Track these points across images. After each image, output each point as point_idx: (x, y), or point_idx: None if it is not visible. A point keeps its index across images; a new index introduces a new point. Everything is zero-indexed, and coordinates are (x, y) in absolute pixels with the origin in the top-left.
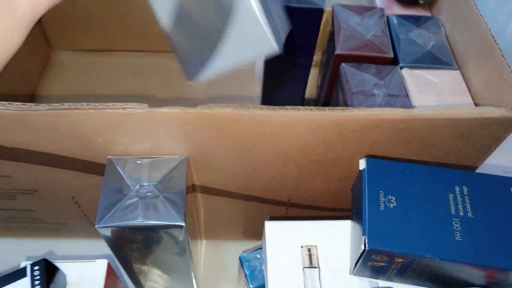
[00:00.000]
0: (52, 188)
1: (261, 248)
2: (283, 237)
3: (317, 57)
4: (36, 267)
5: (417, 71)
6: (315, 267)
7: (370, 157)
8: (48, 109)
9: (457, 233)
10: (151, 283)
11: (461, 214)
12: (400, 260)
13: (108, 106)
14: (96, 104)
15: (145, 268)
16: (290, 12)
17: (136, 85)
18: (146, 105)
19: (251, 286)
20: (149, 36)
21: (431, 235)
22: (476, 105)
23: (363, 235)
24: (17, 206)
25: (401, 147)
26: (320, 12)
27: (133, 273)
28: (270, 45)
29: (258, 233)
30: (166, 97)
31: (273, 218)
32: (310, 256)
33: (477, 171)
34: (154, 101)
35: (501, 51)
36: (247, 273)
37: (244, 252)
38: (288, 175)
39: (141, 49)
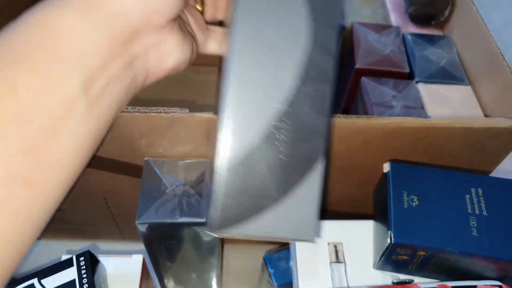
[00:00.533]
0: (86, 189)
1: (284, 248)
2: None
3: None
4: (81, 258)
5: (432, 86)
6: (341, 262)
7: (393, 161)
8: None
9: (473, 229)
10: (174, 282)
11: (477, 212)
12: (422, 253)
13: (152, 110)
14: (140, 107)
15: (172, 266)
16: None
17: (174, 94)
18: (187, 110)
19: (275, 284)
20: None
21: (450, 230)
22: (486, 117)
23: (388, 230)
24: None
25: (419, 154)
26: (341, 28)
27: (160, 270)
28: (310, 236)
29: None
30: (204, 103)
31: None
32: (336, 252)
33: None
34: (194, 107)
35: (509, 67)
36: (272, 271)
37: (267, 252)
38: None
39: None
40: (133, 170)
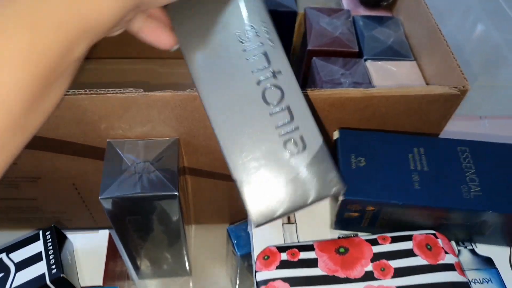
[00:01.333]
0: (55, 175)
1: (245, 221)
2: None
3: (291, 58)
4: (47, 233)
5: (379, 63)
6: (292, 223)
7: (342, 129)
8: None
9: (415, 183)
10: (146, 261)
11: (419, 168)
12: (371, 208)
13: (108, 91)
14: (97, 90)
15: (141, 243)
16: None
17: (127, 84)
18: (142, 89)
19: (238, 253)
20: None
21: (395, 186)
22: None
23: None
24: (19, 195)
25: (363, 124)
26: (293, 14)
27: (130, 248)
28: (339, 188)
29: (240, 216)
30: (158, 83)
31: None
32: None
33: None
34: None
35: (446, 41)
36: (234, 242)
37: (230, 224)
38: None
39: (128, 56)
40: (97, 153)
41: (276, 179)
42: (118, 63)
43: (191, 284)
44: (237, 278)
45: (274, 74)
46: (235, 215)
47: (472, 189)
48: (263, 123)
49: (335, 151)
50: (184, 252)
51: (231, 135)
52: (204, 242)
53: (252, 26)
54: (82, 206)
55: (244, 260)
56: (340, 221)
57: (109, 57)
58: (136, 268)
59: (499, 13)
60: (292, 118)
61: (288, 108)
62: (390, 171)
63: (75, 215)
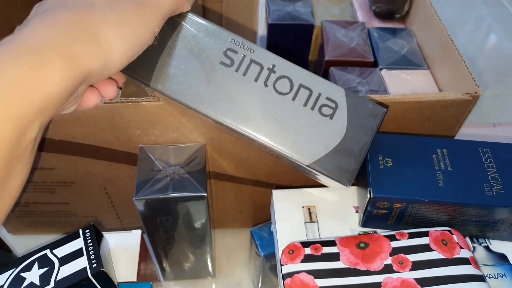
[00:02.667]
0: (88, 179)
1: (268, 223)
2: (288, 200)
3: (309, 68)
4: (87, 231)
5: (394, 71)
6: (314, 222)
7: None
8: None
9: (440, 182)
10: (172, 262)
11: (443, 168)
12: (398, 205)
13: (143, 99)
14: (132, 98)
15: (169, 244)
16: (286, 28)
17: None
18: None
19: (262, 254)
20: None
21: (421, 184)
22: None
23: (368, 187)
24: (54, 199)
25: (381, 129)
26: (311, 27)
27: (158, 249)
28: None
29: (263, 219)
30: None
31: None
32: (310, 213)
33: None
34: None
35: (458, 50)
36: (258, 242)
37: (253, 226)
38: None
39: None
40: (129, 158)
41: (336, 140)
42: None
43: (214, 286)
44: (260, 280)
45: (271, 70)
46: (256, 219)
47: (494, 187)
48: (296, 110)
49: None
50: (209, 254)
51: (281, 138)
52: (227, 245)
53: (226, 48)
54: (111, 211)
55: (267, 260)
56: (368, 219)
57: None
58: (162, 269)
59: (510, 23)
60: (310, 90)
61: (301, 85)
62: (416, 170)
63: (104, 219)
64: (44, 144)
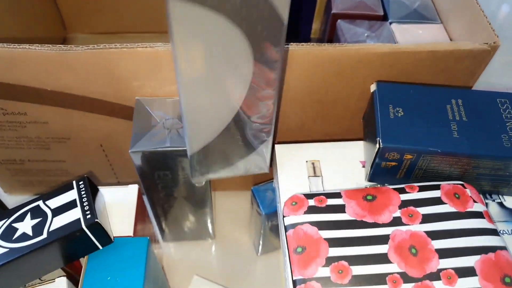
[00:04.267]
0: (83, 134)
1: (270, 181)
2: (291, 155)
3: (315, 25)
4: (81, 182)
5: (404, 25)
6: (318, 176)
7: (379, 81)
8: (86, 49)
9: (454, 132)
10: (171, 222)
11: (457, 119)
12: (409, 156)
13: (139, 45)
14: (127, 44)
15: (168, 202)
16: None
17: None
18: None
19: (263, 212)
20: (161, 18)
21: (434, 134)
22: None
23: (376, 137)
24: (50, 157)
25: (389, 81)
26: None
27: (157, 207)
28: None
29: (264, 180)
30: None
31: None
32: (314, 168)
33: None
34: None
35: (477, 2)
36: (259, 201)
37: (254, 185)
38: (292, 116)
39: (151, 31)
40: (127, 112)
41: None
42: (141, 38)
43: (213, 247)
44: (260, 240)
45: None
46: (258, 181)
47: None
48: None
49: (372, 103)
50: (209, 214)
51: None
52: (227, 207)
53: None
54: (108, 169)
55: (269, 219)
56: (376, 172)
57: (131, 32)
58: (161, 230)
59: None
60: None
61: None
62: (429, 120)
63: (101, 177)
64: (37, 95)
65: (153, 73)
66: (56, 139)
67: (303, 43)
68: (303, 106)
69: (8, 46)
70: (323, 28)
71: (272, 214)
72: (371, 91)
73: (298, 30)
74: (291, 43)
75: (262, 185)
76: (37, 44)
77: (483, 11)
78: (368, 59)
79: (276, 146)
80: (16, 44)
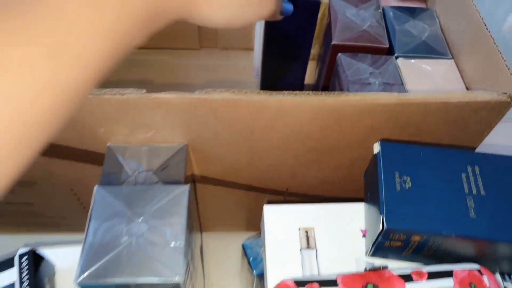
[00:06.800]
0: (51, 180)
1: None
2: (281, 220)
3: (314, 50)
4: (24, 259)
5: (412, 61)
6: (312, 248)
7: (383, 141)
8: None
9: (471, 210)
10: None
11: (474, 192)
12: (417, 238)
13: (106, 92)
14: (94, 90)
15: None
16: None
17: (134, 76)
18: (144, 90)
19: (254, 272)
20: None
21: (447, 213)
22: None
23: (380, 214)
24: (15, 199)
25: (396, 133)
26: (317, 4)
27: None
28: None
29: (258, 224)
30: (165, 83)
31: (271, 202)
32: (307, 238)
33: None
34: (153, 87)
35: (492, 38)
36: (250, 259)
37: (247, 239)
38: (285, 164)
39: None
40: (97, 158)
41: None
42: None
43: None
44: None
45: None
46: (249, 223)
47: None
48: None
49: (375, 166)
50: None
51: None
52: (218, 252)
53: None
54: (82, 212)
55: (261, 279)
56: (378, 249)
57: None
58: None
59: None
60: None
61: None
62: (441, 194)
63: (75, 220)
64: None
65: (123, 120)
66: (20, 183)
67: (297, 92)
68: (297, 154)
69: None
70: (323, 57)
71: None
72: (374, 152)
73: (295, 55)
74: (285, 92)
75: (254, 239)
76: None
77: (500, 52)
78: (371, 109)
79: (265, 207)
80: None
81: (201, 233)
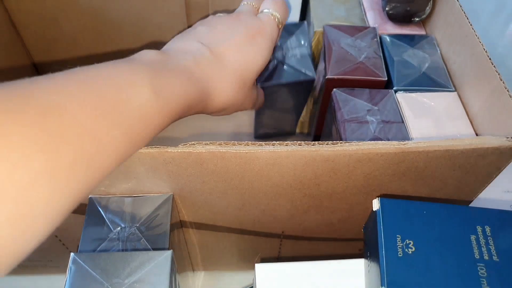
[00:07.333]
0: None
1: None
2: (275, 282)
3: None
4: None
5: (413, 95)
6: None
7: (383, 197)
8: None
9: (483, 280)
10: None
11: (486, 258)
12: None
13: None
14: None
15: None
16: (284, 86)
17: None
18: None
19: None
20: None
21: (456, 284)
22: (474, 129)
23: (382, 286)
24: None
25: (396, 179)
26: (311, 82)
27: None
28: None
29: (253, 263)
30: None
31: (264, 260)
32: None
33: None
34: None
35: (498, 74)
36: None
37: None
38: (280, 209)
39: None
40: (80, 208)
41: None
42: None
43: None
44: None
45: None
46: (244, 262)
47: None
48: None
49: (375, 224)
50: None
51: None
52: None
53: None
54: (68, 255)
55: None
56: None
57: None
58: None
59: None
60: None
61: None
62: (448, 261)
63: (62, 262)
64: None
65: None
66: None
67: (289, 143)
68: (292, 199)
69: None
70: (317, 89)
71: None
72: (374, 209)
73: (287, 114)
74: (275, 143)
75: None
76: None
77: (508, 90)
78: (369, 158)
79: (257, 266)
80: None
81: (198, 272)
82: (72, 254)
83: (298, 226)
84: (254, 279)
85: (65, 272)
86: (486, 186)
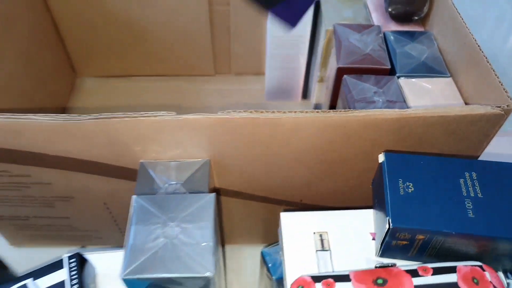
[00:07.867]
0: (87, 194)
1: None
2: (297, 226)
3: (321, 73)
4: (72, 260)
5: (413, 80)
6: (326, 250)
7: (387, 152)
8: (89, 119)
9: (469, 211)
10: None
11: (472, 195)
12: (421, 237)
13: (141, 114)
14: (130, 113)
15: None
16: None
17: (158, 102)
18: (174, 112)
19: (273, 277)
20: (166, 61)
21: (447, 213)
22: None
23: (386, 216)
24: (54, 214)
25: (399, 145)
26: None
27: None
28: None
29: (274, 236)
30: (185, 107)
31: (287, 210)
32: (322, 240)
33: None
34: (175, 110)
35: (486, 57)
36: (270, 265)
37: (265, 247)
38: (298, 175)
39: (158, 74)
40: (130, 174)
41: None
42: (147, 80)
43: None
44: None
45: None
46: (268, 235)
47: None
48: None
49: (380, 174)
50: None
51: None
52: (238, 264)
53: None
54: (113, 225)
55: (280, 284)
56: (386, 249)
57: (138, 75)
58: None
59: None
60: None
61: None
62: (441, 197)
63: (106, 233)
64: (39, 159)
65: (155, 139)
66: (59, 198)
67: (308, 111)
68: (310, 166)
69: (12, 116)
70: (330, 79)
71: (283, 279)
72: (379, 161)
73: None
74: (297, 111)
75: (272, 247)
76: (41, 114)
77: (493, 70)
78: (375, 124)
79: (282, 214)
80: (20, 115)
81: (223, 246)
82: (133, 196)
83: (315, 194)
84: (279, 227)
85: (107, 245)
86: (478, 154)
